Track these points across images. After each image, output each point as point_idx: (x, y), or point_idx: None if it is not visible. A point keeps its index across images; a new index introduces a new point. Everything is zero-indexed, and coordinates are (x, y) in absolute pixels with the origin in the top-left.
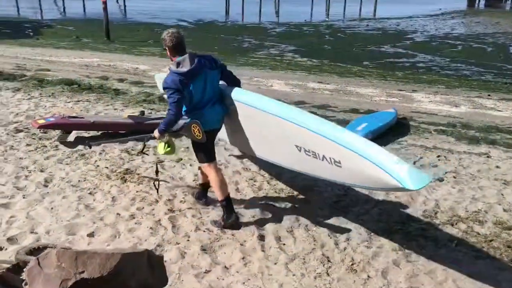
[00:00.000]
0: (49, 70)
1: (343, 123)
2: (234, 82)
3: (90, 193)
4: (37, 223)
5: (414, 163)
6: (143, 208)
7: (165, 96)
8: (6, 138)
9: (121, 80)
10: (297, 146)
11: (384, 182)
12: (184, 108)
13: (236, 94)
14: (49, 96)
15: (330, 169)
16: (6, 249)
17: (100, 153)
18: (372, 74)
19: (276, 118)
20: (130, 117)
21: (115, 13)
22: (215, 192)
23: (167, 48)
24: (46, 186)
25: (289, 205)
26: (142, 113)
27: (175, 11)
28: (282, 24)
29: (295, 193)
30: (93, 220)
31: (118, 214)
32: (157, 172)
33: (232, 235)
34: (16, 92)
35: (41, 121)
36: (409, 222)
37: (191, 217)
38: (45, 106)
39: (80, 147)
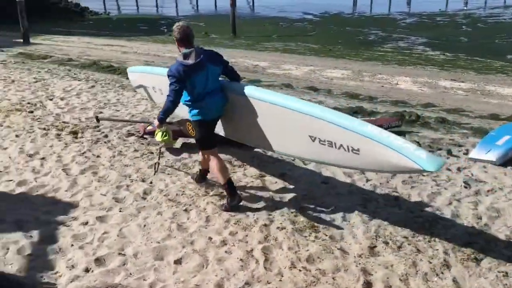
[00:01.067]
0: None
1: (480, 132)
2: (235, 77)
3: (185, 210)
4: (127, 242)
5: None
6: (237, 233)
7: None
8: (117, 142)
9: None
10: (311, 137)
11: (404, 166)
12: (187, 98)
13: (241, 89)
14: None
15: (346, 156)
16: (92, 271)
17: None
18: None
19: (289, 111)
20: None
21: (244, 8)
22: (217, 177)
23: (175, 40)
24: (144, 198)
25: (405, 244)
26: None
27: (303, 4)
28: (413, 14)
29: (414, 228)
30: (183, 244)
31: (209, 238)
32: (159, 156)
33: (333, 278)
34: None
35: (149, 127)
36: None
37: (287, 249)
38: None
39: (184, 155)
